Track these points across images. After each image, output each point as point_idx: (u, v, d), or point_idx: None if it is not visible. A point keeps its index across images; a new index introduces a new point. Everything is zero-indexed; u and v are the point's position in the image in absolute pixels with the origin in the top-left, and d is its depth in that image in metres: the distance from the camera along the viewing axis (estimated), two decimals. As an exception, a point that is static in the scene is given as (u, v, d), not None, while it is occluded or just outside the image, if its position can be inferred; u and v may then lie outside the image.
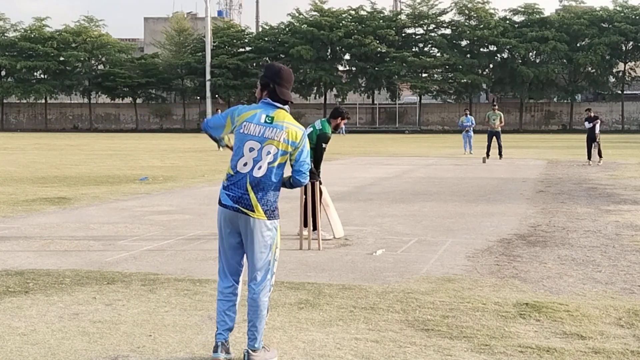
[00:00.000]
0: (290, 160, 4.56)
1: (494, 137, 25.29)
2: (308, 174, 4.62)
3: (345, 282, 6.73)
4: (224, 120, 4.61)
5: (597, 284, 6.67)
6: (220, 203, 4.54)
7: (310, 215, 8.84)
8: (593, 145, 23.16)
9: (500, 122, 25.53)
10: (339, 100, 72.47)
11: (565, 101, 70.67)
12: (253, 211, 4.43)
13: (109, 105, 79.43)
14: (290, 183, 4.65)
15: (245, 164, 4.46)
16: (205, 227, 10.04)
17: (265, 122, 4.47)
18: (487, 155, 24.77)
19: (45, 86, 73.31)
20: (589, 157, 23.10)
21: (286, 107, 4.59)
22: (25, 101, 75.89)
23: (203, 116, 68.63)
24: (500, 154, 25.30)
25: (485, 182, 16.96)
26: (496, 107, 26.49)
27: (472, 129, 30.12)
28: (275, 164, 4.47)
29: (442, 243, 8.84)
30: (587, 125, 23.49)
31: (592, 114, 23.70)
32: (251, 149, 4.45)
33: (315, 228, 8.96)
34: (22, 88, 73.10)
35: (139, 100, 76.99)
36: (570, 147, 33.84)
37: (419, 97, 71.69)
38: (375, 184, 16.96)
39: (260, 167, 4.44)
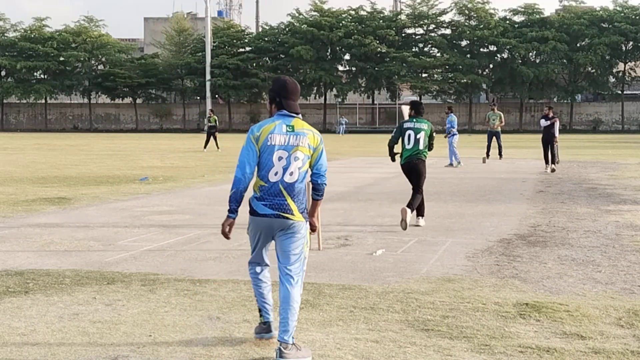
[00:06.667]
0: (309, 163, 4.82)
1: (494, 137, 25.26)
2: (326, 176, 4.91)
3: (345, 282, 6.73)
4: (254, 147, 4.74)
5: (597, 284, 6.66)
6: (256, 214, 4.76)
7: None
8: (549, 147, 20.22)
9: (500, 122, 25.42)
10: (339, 100, 72.52)
11: (565, 101, 70.71)
12: (293, 214, 4.73)
13: (109, 106, 79.45)
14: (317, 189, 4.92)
15: (276, 173, 4.72)
16: (205, 227, 10.03)
17: (287, 131, 4.74)
18: (487, 155, 24.75)
19: (45, 86, 73.33)
20: (547, 162, 20.23)
21: (299, 116, 4.88)
22: (25, 101, 75.91)
23: (203, 116, 68.63)
24: (500, 154, 25.29)
25: (485, 182, 16.95)
26: (495, 107, 26.34)
27: (453, 134, 22.95)
28: (304, 168, 4.78)
29: (442, 243, 8.84)
30: (543, 123, 20.42)
31: (551, 113, 20.72)
32: (280, 158, 4.71)
33: (419, 214, 10.27)
34: (22, 88, 73.12)
35: (139, 101, 77.02)
36: (571, 147, 33.84)
37: (419, 97, 71.69)
38: (375, 184, 16.96)
39: (292, 173, 4.73)
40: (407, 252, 8.26)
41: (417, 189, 10.27)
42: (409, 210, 9.82)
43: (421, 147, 10.24)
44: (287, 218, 4.71)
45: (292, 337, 4.63)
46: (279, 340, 4.61)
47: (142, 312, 5.64)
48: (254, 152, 4.73)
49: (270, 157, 4.71)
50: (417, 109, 10.46)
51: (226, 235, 4.82)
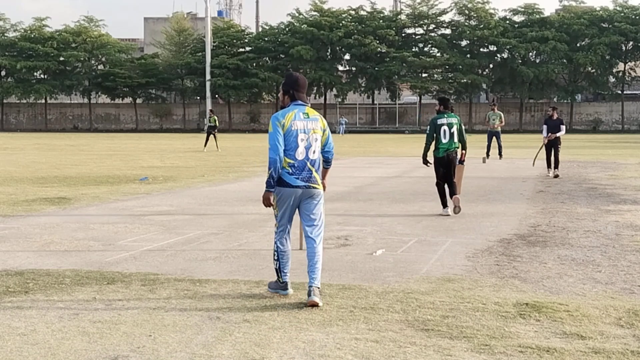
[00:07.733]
0: (320, 142, 6.03)
1: (494, 137, 25.25)
2: (333, 150, 6.23)
3: (345, 282, 6.72)
4: (281, 131, 5.83)
5: (597, 284, 6.66)
6: (289, 185, 5.88)
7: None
8: (553, 150, 18.46)
9: (500, 121, 25.41)
10: (339, 100, 72.50)
11: (565, 101, 70.73)
12: (318, 184, 6.01)
13: (109, 105, 79.47)
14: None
15: (301, 153, 5.88)
16: (205, 227, 10.03)
17: (304, 117, 5.93)
18: (487, 155, 24.74)
19: (45, 86, 73.35)
20: (549, 165, 18.73)
21: (309, 105, 6.07)
22: (25, 101, 75.93)
23: (203, 116, 68.67)
24: (500, 154, 25.28)
25: (485, 182, 16.95)
26: (496, 107, 26.33)
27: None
28: (320, 146, 6.04)
29: (442, 243, 8.84)
30: (545, 132, 18.63)
31: (556, 115, 18.86)
32: (302, 140, 5.88)
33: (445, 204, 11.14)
34: (22, 88, 73.14)
35: (139, 101, 77.02)
36: (570, 147, 33.85)
37: (419, 97, 71.72)
38: (375, 184, 16.96)
39: (314, 152, 5.96)
40: (407, 252, 8.26)
41: (452, 179, 11.27)
42: (458, 197, 11.08)
43: (456, 140, 11.14)
44: (315, 188, 5.97)
45: (319, 282, 5.87)
46: (309, 286, 5.80)
47: (142, 312, 5.64)
48: (281, 135, 5.81)
49: (295, 139, 5.84)
50: (445, 104, 11.32)
51: (270, 204, 5.91)
